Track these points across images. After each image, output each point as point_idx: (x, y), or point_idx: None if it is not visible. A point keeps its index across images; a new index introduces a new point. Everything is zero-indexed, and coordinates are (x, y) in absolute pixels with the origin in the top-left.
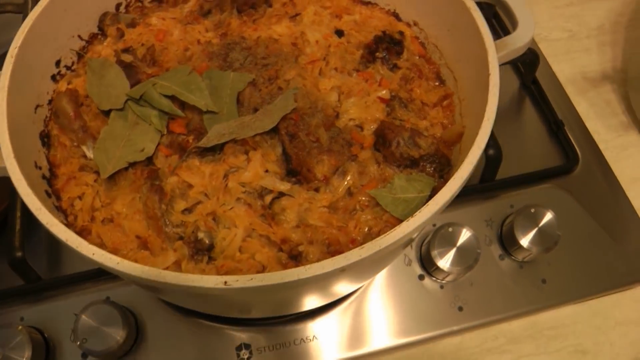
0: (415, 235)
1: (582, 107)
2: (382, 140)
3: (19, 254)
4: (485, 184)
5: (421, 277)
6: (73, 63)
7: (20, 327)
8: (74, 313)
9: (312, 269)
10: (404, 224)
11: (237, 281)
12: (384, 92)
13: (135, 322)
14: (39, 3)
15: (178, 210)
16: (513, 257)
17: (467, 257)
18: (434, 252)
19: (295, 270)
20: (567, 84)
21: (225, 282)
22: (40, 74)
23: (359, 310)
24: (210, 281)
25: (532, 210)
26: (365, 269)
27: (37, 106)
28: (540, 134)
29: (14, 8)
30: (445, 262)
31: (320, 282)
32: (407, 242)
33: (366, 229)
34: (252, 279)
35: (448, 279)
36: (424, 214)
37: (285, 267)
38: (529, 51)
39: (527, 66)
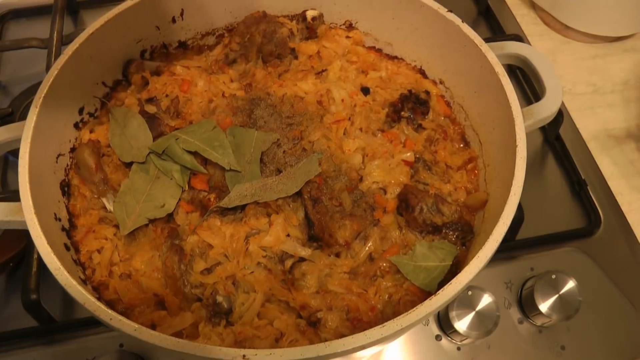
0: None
1: (606, 165)
2: (405, 205)
3: (33, 296)
4: (505, 244)
5: (438, 338)
6: (96, 110)
7: None
8: (86, 358)
9: (332, 346)
10: (426, 303)
11: (256, 355)
12: (408, 154)
13: None
14: (65, 51)
15: (197, 271)
16: (532, 322)
17: (486, 322)
18: (452, 314)
19: (315, 347)
20: (591, 140)
21: (244, 356)
22: (63, 123)
23: None
24: (229, 354)
25: (553, 277)
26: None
27: (59, 155)
28: (562, 193)
29: (38, 43)
30: (463, 324)
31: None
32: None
33: (386, 296)
34: (271, 354)
35: (466, 341)
36: (447, 293)
37: (303, 334)
38: None
39: (551, 122)
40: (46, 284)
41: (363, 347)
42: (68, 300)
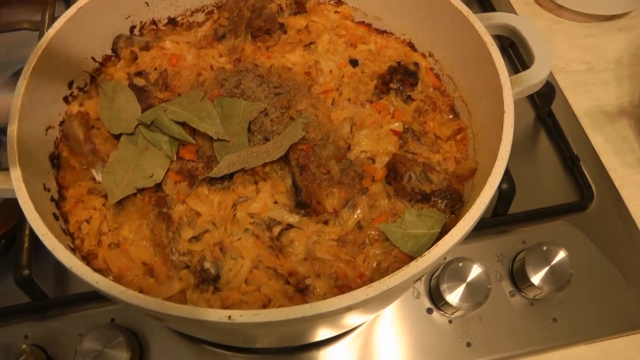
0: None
1: (598, 141)
2: (393, 173)
3: (26, 272)
4: (497, 218)
5: (430, 311)
6: (86, 84)
7: (24, 346)
8: (79, 333)
9: (318, 307)
10: (412, 264)
11: (242, 316)
12: (397, 124)
13: (140, 346)
14: (54, 25)
15: (185, 239)
16: (524, 294)
17: (477, 293)
18: (443, 287)
19: (300, 307)
20: (583, 117)
21: (230, 317)
22: (52, 96)
23: (366, 342)
24: (215, 315)
25: (545, 248)
26: (372, 305)
27: (49, 128)
28: (555, 168)
29: (30, 25)
30: (454, 297)
31: (327, 318)
32: (416, 280)
33: (375, 264)
34: (256, 314)
35: (457, 314)
36: (433, 255)
37: (291, 300)
38: (545, 84)
39: (543, 98)
40: (38, 261)
41: (349, 309)
42: (60, 277)
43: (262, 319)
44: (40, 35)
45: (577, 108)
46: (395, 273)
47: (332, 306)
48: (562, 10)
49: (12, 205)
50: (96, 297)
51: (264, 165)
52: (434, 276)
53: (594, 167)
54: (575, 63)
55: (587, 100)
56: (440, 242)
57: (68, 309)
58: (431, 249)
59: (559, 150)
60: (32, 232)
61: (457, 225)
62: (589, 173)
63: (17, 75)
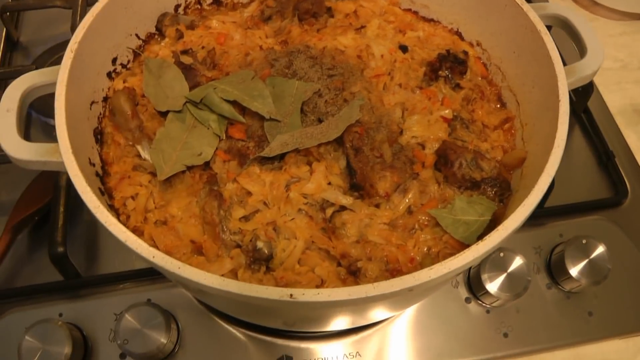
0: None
1: (632, 139)
2: (444, 160)
3: (61, 249)
4: (535, 211)
5: (467, 300)
6: (129, 61)
7: (60, 323)
8: (114, 313)
9: (381, 287)
10: (474, 247)
11: (304, 295)
12: (446, 111)
13: (177, 328)
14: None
15: (236, 218)
16: (560, 287)
17: (517, 284)
18: (484, 276)
19: (363, 287)
20: (617, 115)
21: (291, 295)
22: (96, 71)
23: (403, 330)
24: (276, 293)
25: (584, 242)
26: (427, 290)
27: (92, 102)
28: (589, 164)
29: (63, 3)
30: (494, 286)
31: (384, 300)
32: (472, 265)
33: (425, 249)
34: (319, 293)
35: (495, 304)
36: (494, 239)
37: (344, 282)
38: None
39: (579, 95)
40: (71, 239)
41: (410, 290)
42: (91, 257)
43: (324, 298)
44: (74, 13)
45: (610, 105)
46: (457, 255)
47: (395, 287)
48: (597, 7)
49: (45, 181)
50: (131, 277)
51: (318, 146)
52: (474, 265)
53: (628, 164)
54: (609, 60)
55: (621, 98)
56: (500, 227)
57: (102, 289)
58: (492, 233)
59: (593, 147)
60: (66, 209)
61: (517, 210)
62: (623, 170)
63: (49, 52)
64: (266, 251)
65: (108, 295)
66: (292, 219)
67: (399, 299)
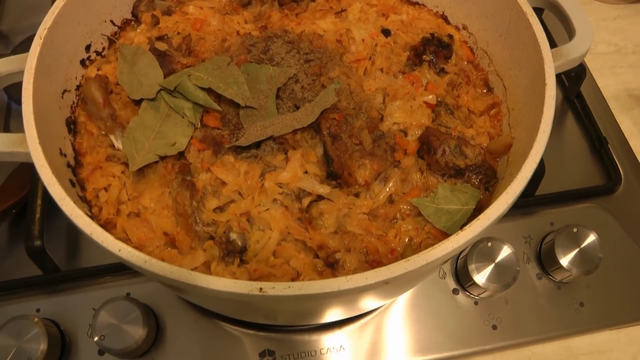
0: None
1: (626, 125)
2: (427, 147)
3: (37, 242)
4: (525, 199)
5: (455, 292)
6: (104, 49)
7: (36, 319)
8: (93, 308)
9: (354, 280)
10: (453, 237)
11: (274, 288)
12: (430, 96)
13: (156, 322)
14: None
15: (209, 209)
16: (551, 277)
17: (506, 275)
18: (471, 267)
19: (336, 280)
20: (611, 100)
21: (261, 289)
22: (69, 58)
23: (389, 322)
24: (245, 287)
25: (575, 230)
26: (407, 282)
27: (65, 91)
28: (582, 150)
29: None
30: (482, 277)
31: (360, 293)
32: (452, 256)
33: (406, 239)
34: (289, 287)
35: (483, 295)
36: (475, 228)
37: (321, 274)
38: None
39: (572, 79)
40: (49, 233)
41: (386, 283)
42: (71, 251)
43: (295, 291)
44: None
45: (605, 90)
46: (436, 246)
47: (370, 279)
48: None
49: (23, 174)
50: (111, 270)
51: (295, 133)
52: (461, 256)
53: (621, 150)
54: (603, 45)
55: (615, 83)
56: (482, 216)
57: (81, 283)
58: (472, 222)
59: (586, 132)
60: (44, 201)
61: (499, 198)
62: (616, 156)
63: (28, 41)
64: (240, 243)
65: (87, 290)
66: (267, 209)
67: (380, 291)
